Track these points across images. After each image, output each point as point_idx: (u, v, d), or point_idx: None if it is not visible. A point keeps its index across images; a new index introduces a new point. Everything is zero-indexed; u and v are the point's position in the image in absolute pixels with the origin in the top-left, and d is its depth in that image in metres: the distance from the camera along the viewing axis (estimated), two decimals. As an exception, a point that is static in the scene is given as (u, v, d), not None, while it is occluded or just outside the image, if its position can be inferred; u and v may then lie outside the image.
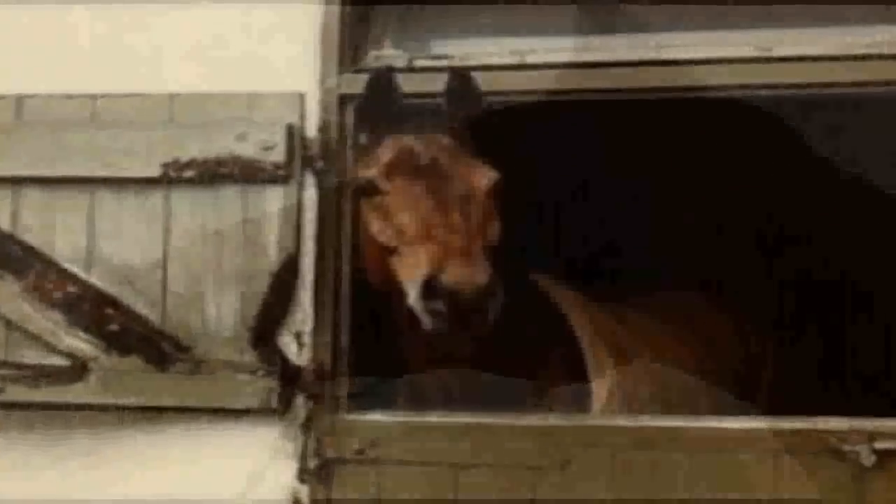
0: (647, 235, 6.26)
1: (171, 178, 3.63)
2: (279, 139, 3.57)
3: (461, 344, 3.54)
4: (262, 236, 3.60)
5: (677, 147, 6.23)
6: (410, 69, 3.67)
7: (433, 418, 3.58)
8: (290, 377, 3.59)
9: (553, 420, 3.56)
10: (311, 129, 3.64)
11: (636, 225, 6.30)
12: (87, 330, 3.62)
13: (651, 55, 3.57)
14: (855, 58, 3.42)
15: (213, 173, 3.61)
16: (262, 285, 3.60)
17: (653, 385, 4.15)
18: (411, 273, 3.31)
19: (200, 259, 3.62)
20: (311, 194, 3.63)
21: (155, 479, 3.64)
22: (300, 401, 3.60)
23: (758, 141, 6.13)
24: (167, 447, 3.65)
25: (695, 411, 4.13)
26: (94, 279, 3.65)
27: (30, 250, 3.67)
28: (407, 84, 3.60)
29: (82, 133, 3.66)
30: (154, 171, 3.64)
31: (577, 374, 3.88)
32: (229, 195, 3.60)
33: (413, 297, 3.27)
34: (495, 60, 3.67)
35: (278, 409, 3.58)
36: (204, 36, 3.75)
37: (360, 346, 3.68)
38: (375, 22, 3.77)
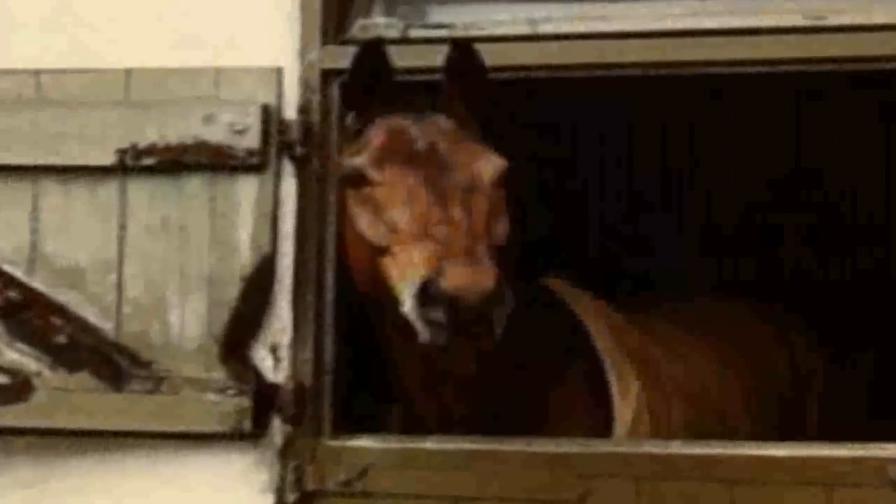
0: (681, 232, 6.27)
1: (128, 166, 3.61)
2: (252, 121, 3.56)
3: (463, 359, 3.54)
4: (233, 234, 3.59)
5: (714, 130, 6.24)
6: (404, 40, 3.66)
7: (431, 445, 3.55)
8: (265, 397, 3.58)
9: (570, 447, 3.53)
10: (290, 110, 3.63)
11: (667, 220, 6.32)
12: (29, 342, 3.60)
13: (684, 24, 3.57)
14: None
15: (176, 161, 3.59)
16: (232, 290, 3.58)
17: (686, 407, 4.14)
18: (406, 276, 3.27)
19: (161, 260, 3.61)
20: (289, 185, 3.62)
21: (109, 514, 3.75)
22: (277, 424, 3.59)
23: (808, 124, 6.14)
24: (123, 478, 3.63)
25: (734, 437, 4.13)
26: (38, 283, 3.63)
27: (-38, 250, 3.77)
28: (401, 58, 3.57)
29: (24, 114, 3.63)
30: (108, 159, 3.62)
31: (598, 394, 3.86)
32: (195, 186, 3.59)
33: (408, 304, 3.22)
34: (503, 30, 3.64)
35: (252, 434, 3.56)
36: (165, 1, 3.72)
37: (347, 362, 3.67)
38: (364, -15, 3.86)
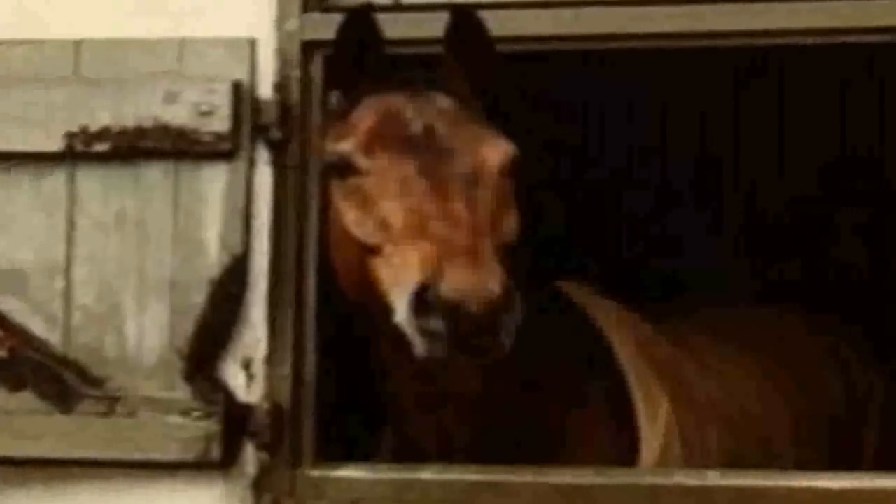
0: (718, 229, 6.25)
1: (77, 152, 3.59)
2: (221, 101, 3.54)
3: (466, 376, 3.52)
4: (199, 231, 3.57)
5: (756, 112, 6.21)
6: (397, 7, 3.64)
7: (428, 475, 3.53)
8: (236, 419, 3.55)
9: (589, 478, 3.50)
10: (265, 88, 3.61)
11: (702, 215, 6.29)
12: (-38, 357, 3.71)
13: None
14: None
15: (133, 146, 3.57)
16: (198, 297, 3.57)
17: (724, 432, 4.10)
18: (399, 280, 3.25)
19: (116, 261, 3.59)
20: (264, 175, 3.61)
21: (58, 553, 3.73)
22: (250, 451, 3.57)
23: (863, 105, 6.10)
24: (73, 513, 3.74)
25: (779, 467, 4.12)
26: (-27, 288, 3.75)
27: None
28: (393, 27, 3.55)
29: (-44, 93, 3.75)
30: (54, 144, 3.60)
31: (622, 416, 3.84)
32: (154, 176, 3.58)
33: (402, 312, 3.20)
34: (511, -5, 3.73)
35: (221, 463, 3.54)
36: (119, -40, 3.83)
37: (331, 379, 3.67)
38: (349, -57, 3.81)
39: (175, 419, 3.53)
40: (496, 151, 3.49)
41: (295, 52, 3.65)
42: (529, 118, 3.95)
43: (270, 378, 3.59)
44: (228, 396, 3.58)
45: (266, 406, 3.57)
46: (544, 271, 3.88)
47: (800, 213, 6.53)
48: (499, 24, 3.55)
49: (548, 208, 3.83)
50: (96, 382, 3.57)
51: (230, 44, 3.61)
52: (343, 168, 3.48)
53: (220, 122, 3.56)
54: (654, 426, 3.85)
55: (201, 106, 3.56)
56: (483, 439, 3.64)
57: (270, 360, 3.59)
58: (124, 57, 3.63)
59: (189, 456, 3.53)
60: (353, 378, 3.74)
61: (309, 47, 3.66)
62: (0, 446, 3.58)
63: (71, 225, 3.61)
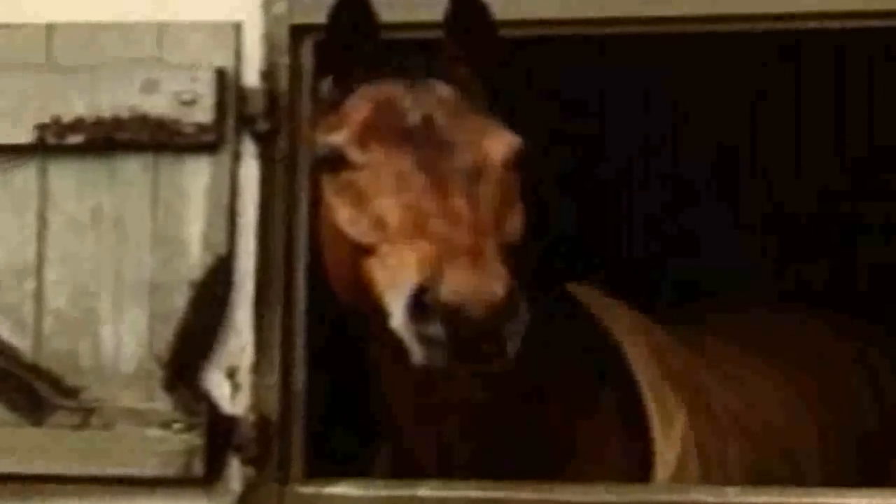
0: (738, 226, 6.22)
1: (49, 145, 3.58)
2: (204, 89, 3.53)
3: (468, 386, 3.50)
4: (181, 229, 3.56)
5: (780, 102, 6.18)
6: (394, -11, 3.73)
7: (427, 491, 3.51)
8: (220, 432, 3.54)
9: (600, 494, 3.49)
10: (251, 75, 3.61)
11: (721, 212, 6.27)
12: (-73, 365, 3.73)
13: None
14: None
15: (109, 138, 3.56)
16: (179, 300, 3.56)
17: (745, 445, 4.11)
18: (396, 282, 3.23)
19: (91, 262, 3.58)
20: (250, 169, 3.60)
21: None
22: (235, 466, 3.56)
23: (892, 94, 6.07)
24: (47, 532, 3.74)
25: (805, 483, 4.11)
26: (-62, 291, 3.77)
27: None
28: (389, 11, 3.52)
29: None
30: (24, 136, 3.59)
31: (635, 428, 3.84)
32: (132, 170, 3.57)
33: (398, 317, 3.18)
34: (516, -24, 3.72)
35: (205, 478, 3.53)
36: (94, -60, 3.86)
37: (322, 389, 3.66)
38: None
39: (155, 432, 3.51)
40: (500, 144, 3.47)
41: (283, 36, 3.63)
42: (536, 108, 3.94)
43: (257, 388, 3.57)
44: (212, 407, 3.56)
45: (252, 418, 3.55)
46: (552, 272, 3.87)
47: (826, 209, 6.53)
48: (503, 6, 3.52)
49: (555, 204, 3.80)
50: (70, 392, 3.55)
51: (213, 28, 3.59)
52: (335, 162, 3.46)
53: (203, 113, 3.54)
54: (669, 439, 3.84)
55: (183, 95, 3.55)
56: (485, 453, 3.63)
57: (257, 368, 3.58)
58: (100, 42, 3.62)
59: (170, 471, 3.52)
60: (346, 388, 3.77)
61: (298, 32, 3.64)
62: (-33, 461, 3.81)
63: (42, 223, 3.60)
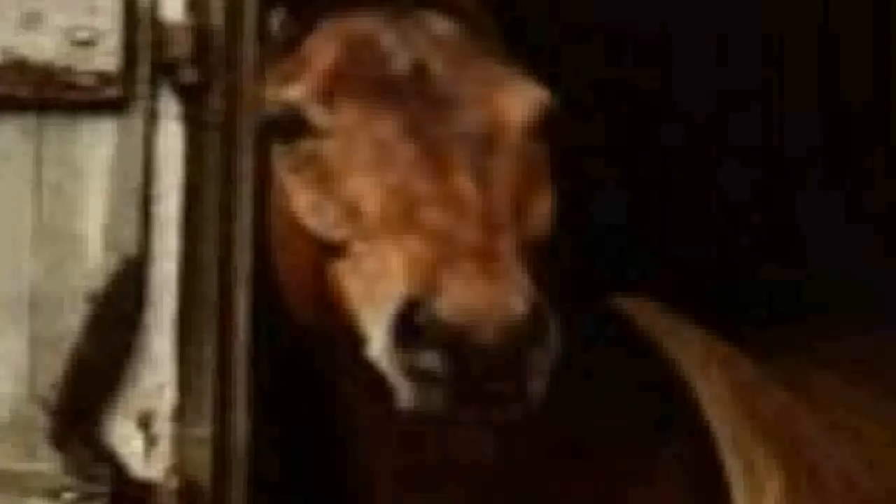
0: (853, 217, 6.15)
1: None
2: (107, 25, 3.33)
3: (475, 440, 3.52)
4: (74, 220, 3.38)
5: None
6: None
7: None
8: (131, 502, 3.39)
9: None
10: (173, 8, 3.40)
11: (831, 198, 6.19)
12: None
13: None
14: None
15: (-21, 95, 3.19)
16: (72, 320, 3.36)
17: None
18: (375, 295, 3.18)
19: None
20: (172, 137, 3.38)
21: None
22: (150, 552, 3.25)
23: None
24: None
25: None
26: None
27: None
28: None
29: None
30: None
31: (708, 495, 3.84)
32: (6, 138, 3.40)
33: (379, 343, 3.12)
34: None
35: (106, 569, 3.16)
36: None
37: (271, 444, 3.53)
38: None
39: (36, 503, 3.40)
40: (521, 100, 3.42)
41: (216, -47, 3.29)
42: (572, 50, 3.85)
43: (181, 442, 3.36)
44: (118, 470, 3.35)
45: (174, 484, 3.34)
46: (594, 280, 3.80)
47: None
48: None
49: (601, 187, 3.74)
50: (-83, 446, 3.21)
51: (119, -56, 3.22)
52: (291, 126, 3.41)
53: (106, 58, 3.31)
54: (758, 509, 3.68)
55: (77, 32, 3.34)
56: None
57: (181, 414, 3.37)
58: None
59: (56, 559, 3.15)
60: (305, 442, 3.57)
61: (238, -56, 3.30)
62: None
63: None
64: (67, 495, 3.44)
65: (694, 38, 5.96)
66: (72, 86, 3.44)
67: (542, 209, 3.37)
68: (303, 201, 3.39)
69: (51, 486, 3.43)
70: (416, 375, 3.09)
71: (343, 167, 3.33)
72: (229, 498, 3.51)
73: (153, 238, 3.48)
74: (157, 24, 3.47)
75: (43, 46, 3.45)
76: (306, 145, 3.38)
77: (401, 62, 3.39)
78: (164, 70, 3.47)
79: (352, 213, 3.29)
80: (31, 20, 3.46)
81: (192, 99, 3.49)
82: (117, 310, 3.47)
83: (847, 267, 5.86)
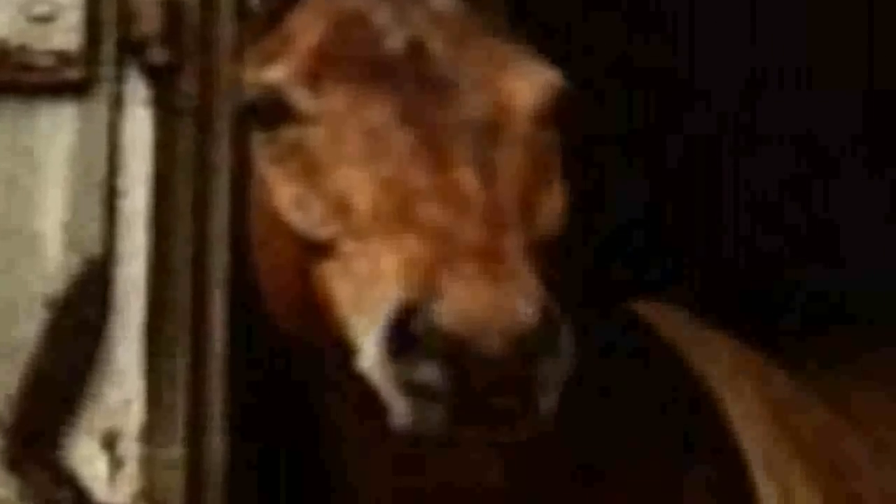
0: (889, 216, 6.16)
1: None
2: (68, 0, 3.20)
3: (479, 462, 3.50)
4: (31, 217, 3.39)
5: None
6: None
7: None
8: (92, 532, 3.10)
9: None
10: (143, -19, 3.14)
11: (875, 191, 6.21)
12: None
13: None
14: None
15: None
16: (28, 329, 3.34)
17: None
18: (367, 301, 3.16)
19: None
20: (140, 123, 3.36)
21: None
22: (118, 583, 3.08)
23: None
24: None
25: None
26: None
27: None
28: None
29: None
30: None
31: None
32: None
33: (371, 355, 3.09)
34: None
35: None
36: None
37: (249, 466, 3.51)
38: None
39: (-8, 532, 3.05)
40: (530, 84, 3.39)
41: (189, -83, 3.11)
42: (588, 28, 3.87)
43: (150, 464, 3.33)
44: (80, 494, 3.30)
45: (143, 508, 3.15)
46: (611, 284, 3.82)
47: None
48: None
49: (619, 180, 3.75)
50: None
51: None
52: (273, 112, 3.39)
53: (66, 35, 3.31)
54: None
55: (34, 7, 3.32)
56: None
57: (149, 434, 3.35)
58: None
59: (14, 591, 3.00)
60: (288, 464, 3.54)
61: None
62: None
63: None
64: (25, 522, 3.17)
65: (722, 11, 5.92)
66: (28, 67, 3.42)
67: (553, 204, 3.33)
68: (286, 195, 3.36)
69: (17, 512, 3.15)
70: (413, 390, 3.06)
71: (330, 157, 3.30)
72: (206, 527, 3.28)
73: (119, 236, 3.45)
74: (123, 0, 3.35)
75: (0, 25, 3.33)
76: (289, 133, 3.36)
77: (395, 41, 3.37)
78: (131, 49, 3.45)
79: (340, 208, 3.26)
80: (-14, -5, 3.21)
81: (162, 81, 3.46)
82: (79, 316, 3.45)
83: (890, 268, 5.86)
